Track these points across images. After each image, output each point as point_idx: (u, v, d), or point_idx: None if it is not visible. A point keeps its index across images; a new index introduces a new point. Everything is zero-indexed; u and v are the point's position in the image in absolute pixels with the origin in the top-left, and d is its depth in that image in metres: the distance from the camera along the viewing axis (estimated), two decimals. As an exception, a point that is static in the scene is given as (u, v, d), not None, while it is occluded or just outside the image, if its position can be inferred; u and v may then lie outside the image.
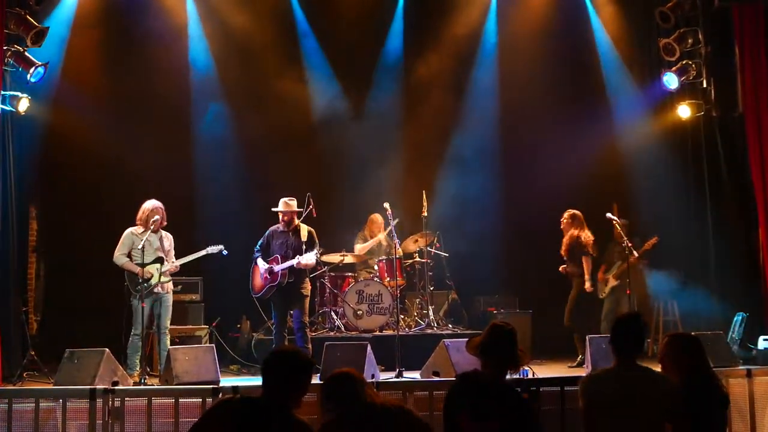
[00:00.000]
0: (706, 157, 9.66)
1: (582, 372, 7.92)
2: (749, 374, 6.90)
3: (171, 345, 7.90)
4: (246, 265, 8.54)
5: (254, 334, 9.40)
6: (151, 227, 7.95)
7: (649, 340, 9.46)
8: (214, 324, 9.31)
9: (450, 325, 9.84)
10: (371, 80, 11.03)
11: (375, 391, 3.78)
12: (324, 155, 10.79)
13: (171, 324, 8.13)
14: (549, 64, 10.64)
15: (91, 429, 6.19)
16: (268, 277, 8.23)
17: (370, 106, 10.99)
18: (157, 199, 8.22)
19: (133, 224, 8.12)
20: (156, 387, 7.08)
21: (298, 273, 8.21)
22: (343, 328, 9.29)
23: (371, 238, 10.12)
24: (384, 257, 9.84)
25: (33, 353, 8.18)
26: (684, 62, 9.49)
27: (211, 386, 6.48)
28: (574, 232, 8.97)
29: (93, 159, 9.87)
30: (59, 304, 9.72)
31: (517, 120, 10.78)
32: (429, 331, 9.38)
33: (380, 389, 6.20)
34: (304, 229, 8.31)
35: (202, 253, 8.22)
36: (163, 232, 8.16)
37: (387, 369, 7.98)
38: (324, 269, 9.50)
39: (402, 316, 9.37)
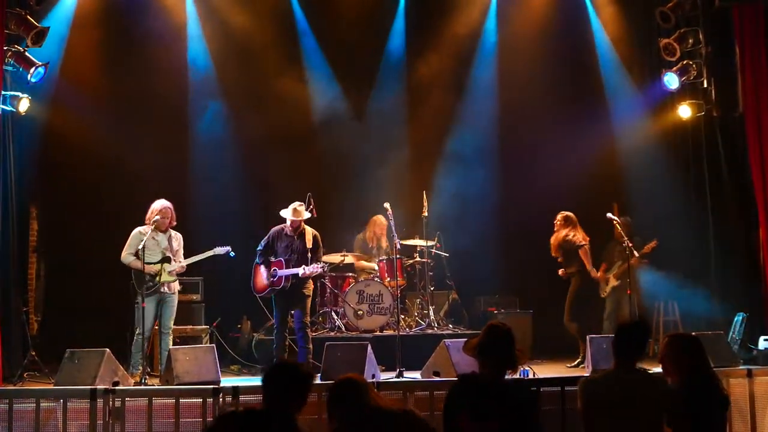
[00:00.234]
0: (706, 157, 9.66)
1: (581, 372, 7.93)
2: (750, 374, 6.90)
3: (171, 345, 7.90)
4: (246, 265, 8.53)
5: (255, 334, 9.40)
6: (152, 227, 7.94)
7: (650, 340, 9.46)
8: (214, 324, 9.30)
9: (450, 326, 9.84)
10: (371, 80, 11.02)
11: (378, 395, 3.78)
12: (324, 155, 10.78)
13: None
14: (549, 64, 10.64)
15: (92, 429, 6.19)
16: (272, 280, 8.22)
17: (369, 106, 10.99)
18: (158, 198, 8.21)
19: (137, 224, 8.10)
20: (157, 387, 7.08)
21: (300, 276, 8.19)
22: (343, 328, 9.29)
23: (372, 239, 10.10)
24: (384, 257, 9.83)
25: (33, 353, 8.18)
26: (684, 62, 9.50)
27: (212, 386, 6.48)
28: (561, 232, 9.03)
29: (93, 159, 9.87)
30: (60, 304, 9.72)
31: (517, 120, 10.77)
32: (429, 331, 9.38)
33: (381, 389, 6.20)
34: (309, 233, 8.29)
35: (209, 253, 8.21)
36: (173, 232, 8.14)
37: (387, 369, 7.98)
38: (324, 270, 9.48)
39: (402, 316, 9.37)
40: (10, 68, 8.40)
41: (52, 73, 9.03)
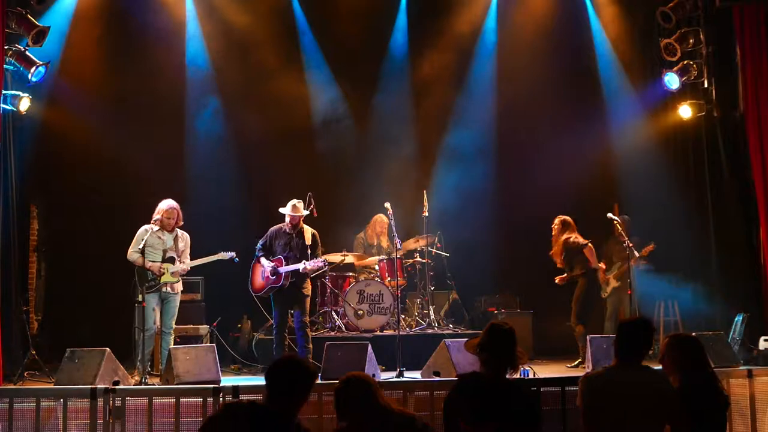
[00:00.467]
0: (707, 157, 9.66)
1: (582, 372, 7.93)
2: (750, 374, 6.89)
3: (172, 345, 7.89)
4: (246, 265, 8.54)
5: (255, 333, 9.40)
6: (156, 226, 7.94)
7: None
8: (215, 324, 9.31)
9: (451, 325, 9.84)
10: (371, 78, 11.00)
11: (384, 396, 3.78)
12: (325, 154, 10.78)
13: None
14: (550, 64, 10.63)
15: (92, 428, 6.19)
16: (271, 277, 8.23)
17: (369, 105, 10.97)
18: (158, 198, 8.20)
19: (138, 222, 8.09)
20: (157, 386, 7.08)
21: (299, 274, 8.21)
22: (344, 328, 9.29)
23: (373, 239, 10.09)
24: (385, 257, 9.83)
25: (34, 353, 8.18)
26: (685, 62, 9.50)
27: (212, 386, 6.48)
28: (561, 236, 9.02)
29: (94, 158, 9.87)
30: (60, 304, 9.71)
31: (519, 120, 10.75)
32: (430, 331, 9.38)
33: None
34: (308, 232, 8.32)
35: (214, 258, 8.21)
36: (179, 232, 8.13)
37: (388, 369, 7.98)
38: (325, 269, 9.49)
39: (403, 316, 9.37)
40: (10, 67, 8.41)
41: (52, 71, 9.03)
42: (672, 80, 9.58)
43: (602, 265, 9.35)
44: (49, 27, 8.62)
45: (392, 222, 9.08)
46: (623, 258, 9.00)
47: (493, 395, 3.77)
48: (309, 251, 8.16)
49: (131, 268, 7.90)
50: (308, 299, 8.34)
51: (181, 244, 8.08)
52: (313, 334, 8.89)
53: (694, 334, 7.61)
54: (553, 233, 9.18)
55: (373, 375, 7.24)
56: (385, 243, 10.09)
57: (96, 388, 6.32)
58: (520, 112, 10.67)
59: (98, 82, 9.90)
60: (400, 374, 7.63)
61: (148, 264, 7.79)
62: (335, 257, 9.55)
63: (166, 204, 8.04)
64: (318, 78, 10.90)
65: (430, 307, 9.70)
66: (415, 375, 7.68)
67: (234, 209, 10.12)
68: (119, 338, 8.27)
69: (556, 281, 9.13)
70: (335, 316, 9.39)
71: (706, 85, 9.53)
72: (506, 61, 10.92)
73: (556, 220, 9.16)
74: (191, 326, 9.16)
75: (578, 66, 10.74)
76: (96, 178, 10.00)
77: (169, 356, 7.39)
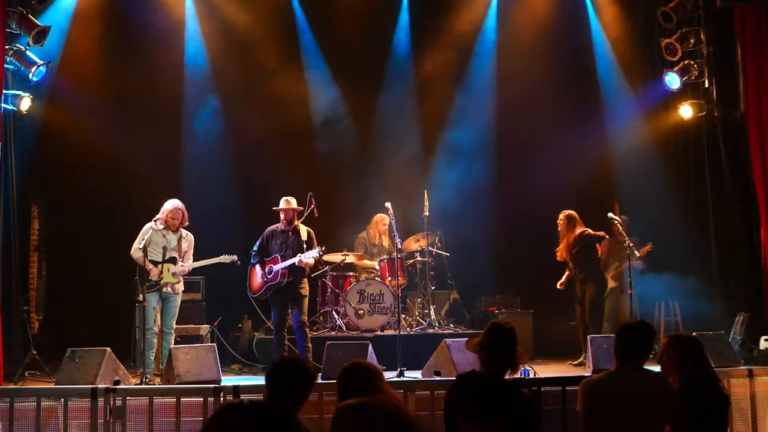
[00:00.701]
0: (707, 157, 9.67)
1: (583, 370, 7.93)
2: (751, 374, 6.88)
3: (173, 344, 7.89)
4: (246, 265, 8.54)
5: (255, 333, 9.41)
6: (161, 226, 7.94)
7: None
8: (215, 323, 9.31)
9: (451, 325, 9.83)
10: (372, 78, 11.00)
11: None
12: (325, 154, 10.77)
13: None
14: (550, 64, 10.62)
15: (93, 428, 6.19)
16: (268, 276, 8.24)
17: (370, 105, 10.97)
18: (159, 198, 8.21)
19: (138, 222, 8.08)
20: (157, 386, 7.08)
21: (296, 273, 8.22)
22: (344, 328, 9.29)
23: (376, 238, 10.09)
24: (385, 257, 9.83)
25: (34, 352, 8.20)
26: (686, 62, 9.50)
27: (213, 385, 6.48)
28: (576, 231, 8.88)
29: (94, 157, 9.88)
30: (61, 303, 9.72)
31: (521, 119, 10.75)
32: (430, 330, 9.38)
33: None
34: (304, 230, 8.35)
35: (215, 260, 8.21)
36: (184, 232, 8.12)
37: (388, 369, 7.95)
38: (325, 269, 9.50)
39: (403, 316, 9.36)
40: (11, 67, 8.41)
41: (52, 71, 9.03)
42: (673, 80, 9.58)
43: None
44: (49, 27, 8.62)
45: (393, 221, 9.10)
46: (620, 258, 8.98)
47: (494, 394, 3.77)
48: (305, 246, 8.18)
49: (132, 267, 7.89)
50: (306, 299, 8.34)
51: (184, 245, 8.08)
52: (314, 333, 8.91)
53: (694, 333, 7.65)
54: (559, 229, 9.01)
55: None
56: (386, 243, 10.10)
57: (97, 387, 6.31)
58: (521, 111, 10.66)
59: (98, 81, 9.90)
60: (401, 374, 7.63)
61: (148, 266, 7.78)
62: (336, 257, 9.55)
63: (171, 204, 8.03)
64: (318, 77, 10.90)
65: (431, 306, 9.69)
66: (415, 375, 7.69)
67: (234, 209, 10.11)
68: (119, 338, 8.28)
69: (559, 287, 9.01)
70: (336, 316, 9.39)
71: (706, 85, 9.53)
72: (506, 60, 10.91)
73: (561, 215, 9.01)
74: (192, 326, 9.16)
75: (578, 66, 10.74)
76: (96, 178, 10.00)
77: (169, 356, 7.39)
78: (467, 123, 10.90)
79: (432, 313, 9.62)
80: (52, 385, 7.18)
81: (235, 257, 8.24)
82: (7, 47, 8.23)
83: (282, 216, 8.38)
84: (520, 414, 3.80)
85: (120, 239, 8.28)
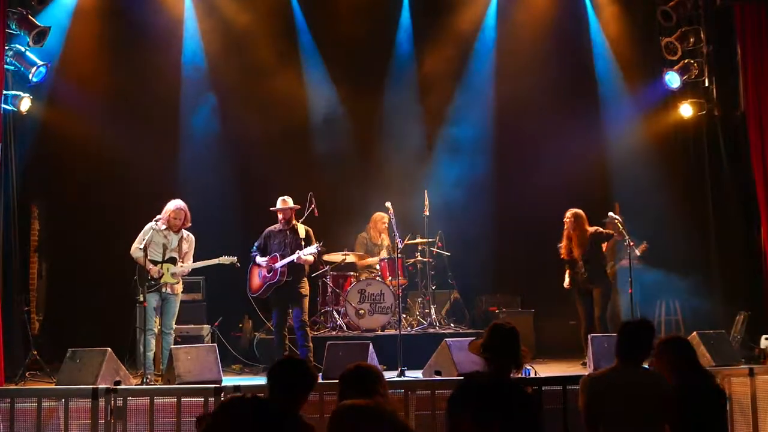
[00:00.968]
0: (707, 156, 9.66)
1: (585, 371, 7.92)
2: (751, 373, 6.88)
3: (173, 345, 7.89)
4: (246, 265, 8.54)
5: (256, 333, 9.41)
6: (163, 226, 7.93)
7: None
8: (216, 323, 9.31)
9: (452, 325, 9.83)
10: (371, 77, 10.99)
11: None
12: (324, 153, 10.76)
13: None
14: (550, 63, 10.61)
15: (94, 428, 6.18)
16: (267, 275, 8.25)
17: (369, 104, 10.95)
18: (159, 198, 8.20)
19: (139, 222, 8.08)
20: (158, 386, 7.08)
21: (296, 272, 8.23)
22: (345, 328, 9.29)
23: (376, 238, 10.09)
24: (386, 257, 9.83)
25: (35, 353, 8.19)
26: (686, 61, 9.50)
27: (214, 386, 6.47)
28: (589, 229, 8.72)
29: (94, 158, 9.88)
30: (61, 304, 9.72)
31: (521, 118, 10.74)
32: (431, 330, 9.38)
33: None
34: (302, 228, 8.39)
35: (215, 261, 8.21)
36: (185, 233, 8.11)
37: (389, 368, 7.95)
38: (326, 268, 9.50)
39: (404, 316, 9.37)
40: (11, 68, 8.41)
41: (52, 71, 9.02)
42: (672, 79, 9.58)
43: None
44: (49, 27, 8.62)
45: (393, 221, 9.09)
46: (618, 258, 8.97)
47: (498, 395, 3.77)
48: (303, 244, 8.20)
49: (132, 267, 7.88)
50: (306, 299, 8.35)
51: (185, 246, 8.07)
52: (315, 333, 8.91)
53: (695, 332, 7.67)
54: (565, 227, 8.85)
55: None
56: (386, 242, 10.09)
57: (97, 388, 6.31)
58: (521, 110, 10.64)
59: (98, 81, 9.90)
60: (402, 374, 7.63)
61: (148, 266, 7.78)
62: (336, 257, 9.55)
63: (174, 204, 8.02)
64: (317, 77, 10.89)
65: (432, 306, 9.69)
66: (416, 374, 7.69)
67: (232, 208, 10.11)
68: (120, 338, 8.26)
69: (566, 287, 8.87)
70: (336, 316, 9.39)
71: (706, 84, 9.54)
72: (506, 59, 10.90)
73: (569, 214, 8.82)
74: (192, 326, 9.15)
75: (578, 64, 10.73)
76: (96, 178, 10.00)
77: (170, 356, 7.39)
78: (467, 122, 10.89)
79: (432, 312, 9.62)
80: (52, 386, 7.19)
81: (234, 259, 8.24)
82: (7, 48, 8.23)
83: (280, 216, 8.39)
84: (523, 414, 3.80)
85: (121, 240, 8.28)
